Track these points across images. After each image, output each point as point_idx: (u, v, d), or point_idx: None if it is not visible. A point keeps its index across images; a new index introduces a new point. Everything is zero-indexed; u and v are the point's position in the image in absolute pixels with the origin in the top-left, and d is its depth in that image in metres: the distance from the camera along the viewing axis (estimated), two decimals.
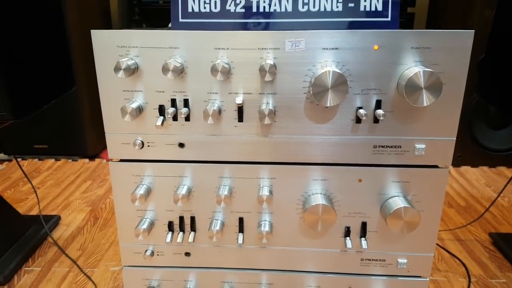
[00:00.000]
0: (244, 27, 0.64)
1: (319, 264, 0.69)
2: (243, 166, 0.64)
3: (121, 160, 0.64)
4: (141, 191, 0.63)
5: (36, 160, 1.64)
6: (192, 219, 0.67)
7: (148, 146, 0.63)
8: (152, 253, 0.70)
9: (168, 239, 0.67)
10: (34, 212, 1.25)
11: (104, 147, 0.68)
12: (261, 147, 0.62)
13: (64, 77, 1.01)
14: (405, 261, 0.67)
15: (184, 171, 0.64)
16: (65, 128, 1.59)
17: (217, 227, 0.65)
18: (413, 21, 1.55)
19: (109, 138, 0.63)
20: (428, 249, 0.66)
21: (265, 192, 0.63)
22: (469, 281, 0.96)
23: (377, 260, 0.68)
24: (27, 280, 0.96)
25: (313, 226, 0.63)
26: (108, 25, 1.70)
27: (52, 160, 1.64)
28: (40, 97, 0.91)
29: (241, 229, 0.68)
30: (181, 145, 0.63)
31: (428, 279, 0.68)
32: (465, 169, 1.58)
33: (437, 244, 1.13)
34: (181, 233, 0.68)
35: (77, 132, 1.61)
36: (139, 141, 0.62)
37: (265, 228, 0.65)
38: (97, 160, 1.64)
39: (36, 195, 1.15)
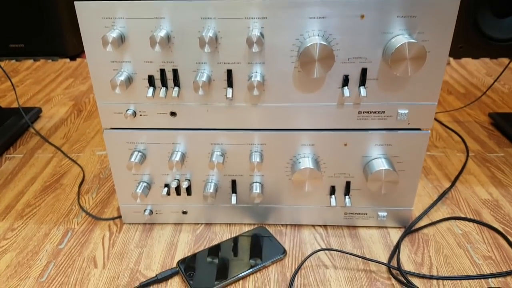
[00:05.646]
0: None
1: (313, 120, 0.64)
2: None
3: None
4: (113, 34, 0.56)
5: (13, 61, 1.54)
6: (175, 72, 0.61)
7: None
8: (134, 113, 0.64)
9: (150, 94, 0.61)
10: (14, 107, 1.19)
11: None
12: None
13: None
14: (406, 111, 0.62)
15: (160, 11, 0.57)
16: (43, 26, 1.47)
17: (203, 79, 0.59)
18: None
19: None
20: (431, 98, 0.62)
21: (255, 33, 0.56)
22: (467, 155, 0.94)
23: (375, 112, 0.63)
24: (8, 166, 0.92)
25: (310, 72, 0.57)
26: None
27: (31, 61, 1.54)
28: None
29: (230, 84, 0.62)
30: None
31: (429, 132, 0.64)
32: (465, 60, 1.51)
33: (435, 119, 1.10)
34: (163, 88, 0.62)
35: (55, 31, 1.49)
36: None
37: (256, 78, 0.59)
38: (78, 60, 1.54)
39: (14, 88, 1.08)
